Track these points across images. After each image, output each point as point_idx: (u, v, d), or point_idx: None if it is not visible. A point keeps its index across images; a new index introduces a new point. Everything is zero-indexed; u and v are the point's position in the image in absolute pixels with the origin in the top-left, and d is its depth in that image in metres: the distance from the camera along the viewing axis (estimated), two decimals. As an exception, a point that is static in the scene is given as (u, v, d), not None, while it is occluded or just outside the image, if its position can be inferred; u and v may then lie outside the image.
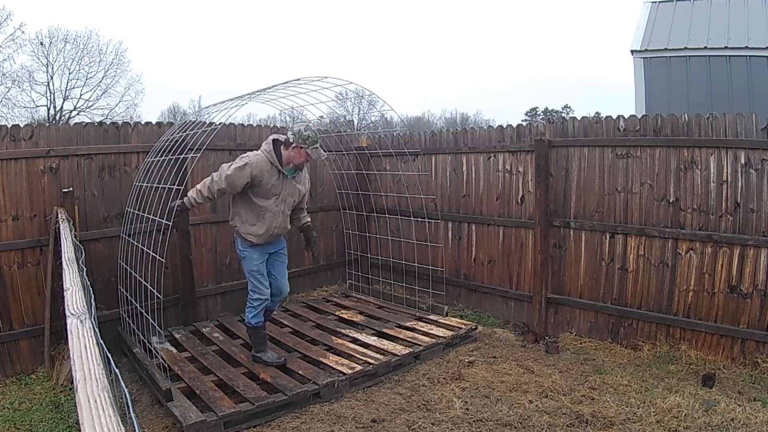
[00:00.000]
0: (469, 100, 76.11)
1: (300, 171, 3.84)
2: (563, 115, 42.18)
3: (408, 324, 4.82)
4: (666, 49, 9.12)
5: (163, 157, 4.09)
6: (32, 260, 4.06)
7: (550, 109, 45.61)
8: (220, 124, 4.63)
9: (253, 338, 3.98)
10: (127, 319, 4.14)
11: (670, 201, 4.11)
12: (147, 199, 4.09)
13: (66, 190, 4.16)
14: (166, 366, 3.65)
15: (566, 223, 4.68)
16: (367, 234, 6.23)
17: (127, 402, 1.23)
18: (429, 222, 5.52)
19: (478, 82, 77.70)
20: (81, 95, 24.15)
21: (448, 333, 4.59)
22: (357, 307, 5.35)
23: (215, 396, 3.40)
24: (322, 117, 6.33)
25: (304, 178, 3.98)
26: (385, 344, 4.34)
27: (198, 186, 3.74)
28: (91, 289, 2.43)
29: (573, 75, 75.34)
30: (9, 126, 3.99)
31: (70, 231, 3.46)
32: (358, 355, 4.10)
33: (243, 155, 3.69)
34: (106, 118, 22.05)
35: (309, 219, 4.20)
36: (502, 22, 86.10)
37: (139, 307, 3.69)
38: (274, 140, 3.75)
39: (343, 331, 4.67)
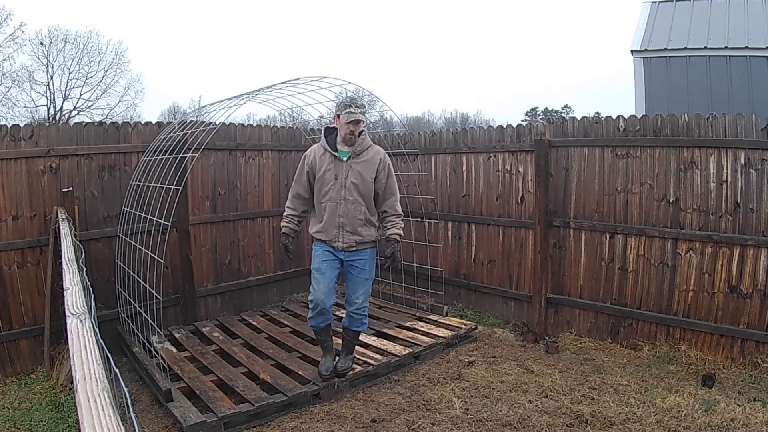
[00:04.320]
0: (469, 99, 76.16)
1: (357, 153, 3.44)
2: (563, 115, 42.20)
3: (408, 324, 4.82)
4: (666, 49, 9.12)
5: (161, 156, 4.09)
6: (32, 260, 4.06)
7: (550, 109, 45.66)
8: (220, 123, 4.63)
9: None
10: (127, 318, 4.14)
11: (670, 201, 4.11)
12: (145, 198, 4.09)
13: (66, 189, 4.16)
14: (166, 366, 3.65)
15: (566, 223, 4.68)
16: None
17: (127, 402, 1.23)
18: (429, 222, 5.52)
19: (478, 82, 77.72)
20: (81, 95, 24.12)
21: (448, 333, 4.59)
22: (357, 307, 5.34)
23: (215, 396, 3.40)
24: (321, 117, 6.32)
25: (374, 164, 3.47)
26: (385, 344, 4.34)
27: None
28: (90, 288, 2.43)
29: (573, 75, 75.44)
30: (9, 126, 3.99)
31: (70, 231, 3.46)
32: (357, 356, 4.09)
33: None
34: (106, 117, 22.05)
35: (396, 230, 3.52)
36: (502, 21, 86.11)
37: (138, 308, 3.69)
38: (326, 127, 3.58)
39: (342, 331, 4.66)
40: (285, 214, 3.63)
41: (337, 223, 3.44)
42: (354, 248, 3.48)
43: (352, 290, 3.58)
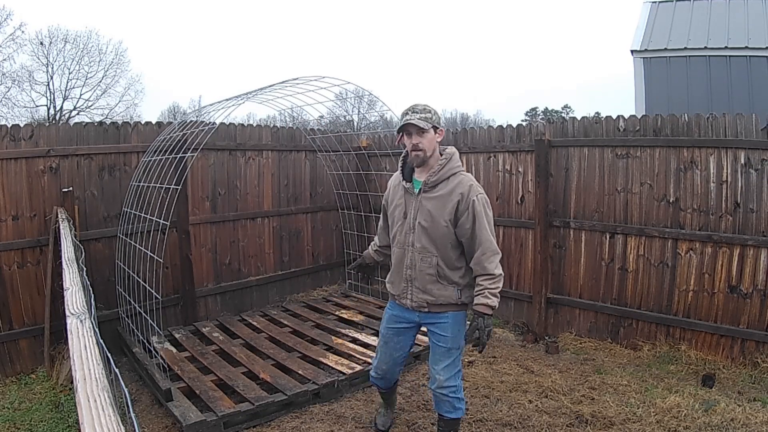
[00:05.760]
0: (469, 99, 76.21)
1: (432, 183, 2.54)
2: (563, 115, 42.23)
3: (408, 324, 4.81)
4: (666, 49, 9.13)
5: (161, 156, 4.09)
6: (32, 260, 4.06)
7: (550, 109, 45.71)
8: (220, 123, 4.63)
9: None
10: (127, 318, 4.14)
11: (670, 201, 4.11)
12: (145, 198, 4.09)
13: (66, 189, 4.16)
14: (166, 366, 3.65)
15: (566, 223, 4.68)
16: (367, 234, 6.22)
17: (126, 402, 1.23)
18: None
19: (478, 82, 77.74)
20: (81, 95, 24.14)
21: (448, 333, 4.58)
22: (357, 307, 5.34)
23: (215, 396, 3.40)
24: (321, 117, 6.33)
25: (452, 200, 2.51)
26: (385, 344, 4.33)
27: None
28: (90, 288, 2.43)
29: (573, 75, 75.48)
30: (9, 126, 3.99)
31: (70, 231, 3.46)
32: (357, 355, 4.10)
33: None
34: (106, 117, 22.06)
35: (484, 300, 2.47)
36: (502, 21, 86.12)
37: (138, 308, 3.69)
38: (405, 151, 2.67)
39: (342, 330, 4.66)
40: (374, 243, 3.09)
41: (404, 276, 2.64)
42: (426, 309, 2.66)
43: (432, 361, 2.73)
